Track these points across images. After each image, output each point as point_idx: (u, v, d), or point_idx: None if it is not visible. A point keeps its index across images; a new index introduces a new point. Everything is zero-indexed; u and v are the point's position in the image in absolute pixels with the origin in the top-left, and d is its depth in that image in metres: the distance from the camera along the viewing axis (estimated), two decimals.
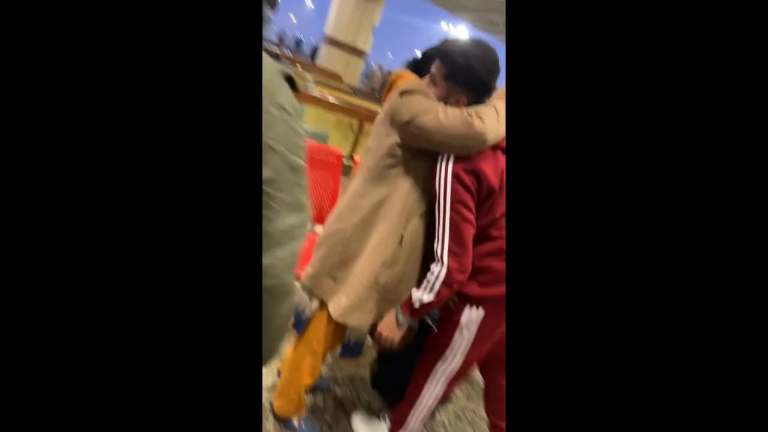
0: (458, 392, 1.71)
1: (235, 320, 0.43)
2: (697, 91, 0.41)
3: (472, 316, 1.02)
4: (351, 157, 2.49)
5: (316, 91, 3.94)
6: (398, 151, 0.98)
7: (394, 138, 0.97)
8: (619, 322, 0.41)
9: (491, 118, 0.90)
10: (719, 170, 0.39)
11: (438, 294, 0.94)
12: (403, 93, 0.96)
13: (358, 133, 3.85)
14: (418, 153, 0.97)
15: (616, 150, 0.43)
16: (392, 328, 1.05)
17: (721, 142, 0.40)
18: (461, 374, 1.15)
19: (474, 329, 1.03)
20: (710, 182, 0.40)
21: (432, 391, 1.18)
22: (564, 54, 0.46)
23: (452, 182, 0.90)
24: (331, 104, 3.69)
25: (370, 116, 3.87)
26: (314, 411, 1.38)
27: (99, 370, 0.40)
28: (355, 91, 5.69)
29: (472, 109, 0.91)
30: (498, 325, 1.06)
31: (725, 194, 0.39)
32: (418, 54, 1.24)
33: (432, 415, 1.30)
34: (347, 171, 2.03)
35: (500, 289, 0.98)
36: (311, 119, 4.59)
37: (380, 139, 1.01)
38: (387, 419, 1.36)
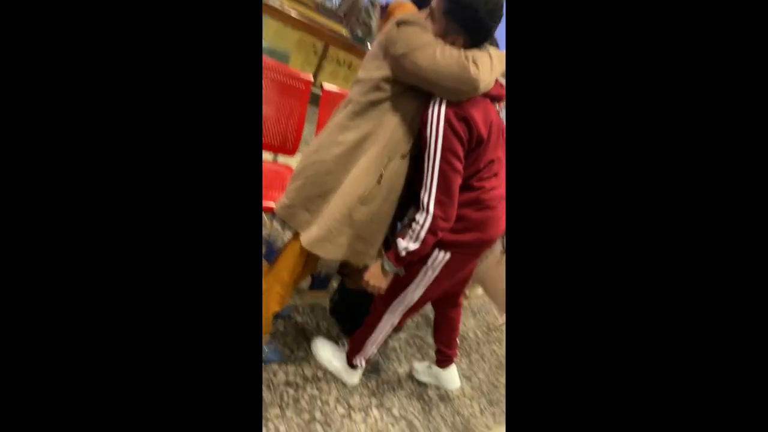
0: (409, 322, 1.86)
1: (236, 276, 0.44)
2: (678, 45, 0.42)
3: (438, 259, 1.08)
4: (319, 84, 2.31)
5: (276, 1, 3.53)
6: (387, 86, 0.94)
7: (385, 71, 0.93)
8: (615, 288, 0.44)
9: (485, 66, 0.88)
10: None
11: (423, 242, 0.97)
12: (400, 24, 0.90)
13: (322, 57, 3.59)
14: (408, 90, 0.94)
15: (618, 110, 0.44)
16: (379, 277, 1.08)
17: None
18: (418, 308, 1.24)
19: (438, 270, 1.10)
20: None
21: (389, 320, 1.27)
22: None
23: (444, 129, 0.89)
24: (293, 19, 3.35)
25: (336, 39, 3.59)
26: (276, 337, 1.44)
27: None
28: (319, 8, 5.16)
29: (469, 53, 0.88)
30: (461, 267, 1.14)
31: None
32: None
33: (385, 341, 1.42)
34: (315, 100, 1.92)
35: (470, 236, 1.04)
36: (270, 36, 4.16)
37: (370, 71, 0.96)
38: (345, 344, 1.47)
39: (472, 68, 0.86)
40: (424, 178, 0.94)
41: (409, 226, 1.01)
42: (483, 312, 2.31)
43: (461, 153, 0.92)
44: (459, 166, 0.93)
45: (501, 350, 2.06)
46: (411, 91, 0.94)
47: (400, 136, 0.98)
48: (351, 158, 1.00)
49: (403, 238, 1.00)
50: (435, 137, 0.90)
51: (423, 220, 0.96)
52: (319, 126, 1.94)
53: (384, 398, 1.47)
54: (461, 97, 0.90)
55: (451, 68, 0.86)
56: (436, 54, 0.87)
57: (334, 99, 1.89)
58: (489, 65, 0.90)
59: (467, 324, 2.14)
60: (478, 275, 2.22)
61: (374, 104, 0.96)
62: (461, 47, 0.92)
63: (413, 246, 0.99)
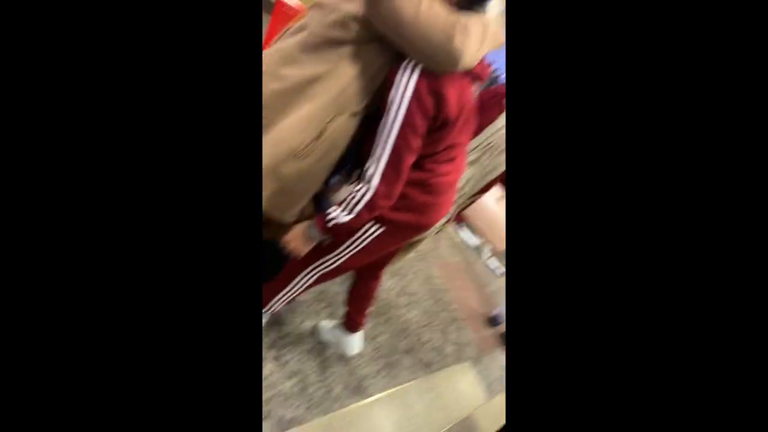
0: None
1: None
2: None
3: (369, 231, 0.99)
4: None
5: None
6: (355, 27, 0.76)
7: (356, 6, 0.75)
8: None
9: (475, 39, 0.73)
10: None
11: (358, 215, 0.87)
12: None
13: None
14: (377, 38, 0.77)
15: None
16: (300, 241, 0.97)
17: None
18: (336, 274, 1.16)
19: (366, 242, 1.02)
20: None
21: (303, 282, 1.19)
22: None
23: (411, 100, 0.75)
24: None
25: None
26: None
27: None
28: None
29: (462, 19, 0.73)
30: (390, 245, 1.06)
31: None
32: None
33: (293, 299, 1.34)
34: (267, 7, 1.61)
35: (407, 217, 0.95)
36: None
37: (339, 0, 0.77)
38: None
39: (458, 39, 0.71)
40: (374, 147, 0.81)
41: (347, 190, 0.89)
42: (400, 275, 2.34)
43: (422, 131, 0.79)
44: (416, 145, 0.81)
45: (407, 315, 2.12)
46: (381, 42, 0.77)
47: (356, 90, 0.82)
48: (292, 100, 0.83)
49: (338, 206, 0.89)
50: (398, 106, 0.76)
51: (363, 193, 0.85)
52: (267, 41, 1.65)
53: (282, 351, 1.42)
54: (435, 68, 0.75)
55: (433, 31, 0.70)
56: (421, 7, 0.70)
57: (290, 14, 1.60)
58: (479, 39, 0.75)
59: (382, 285, 2.15)
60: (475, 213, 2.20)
61: (334, 43, 0.78)
62: (455, 5, 0.75)
63: (345, 218, 0.88)
